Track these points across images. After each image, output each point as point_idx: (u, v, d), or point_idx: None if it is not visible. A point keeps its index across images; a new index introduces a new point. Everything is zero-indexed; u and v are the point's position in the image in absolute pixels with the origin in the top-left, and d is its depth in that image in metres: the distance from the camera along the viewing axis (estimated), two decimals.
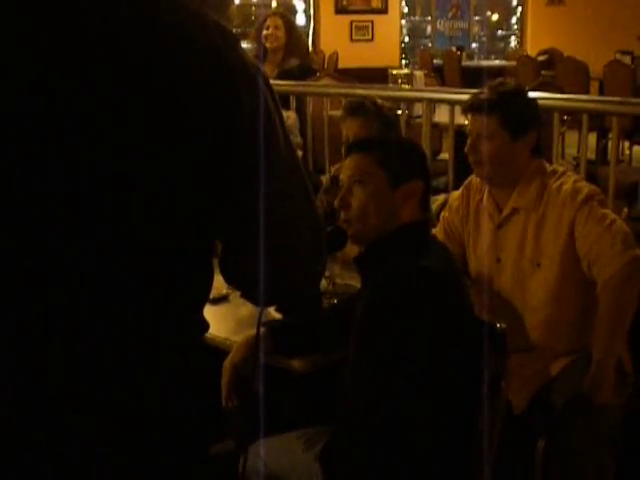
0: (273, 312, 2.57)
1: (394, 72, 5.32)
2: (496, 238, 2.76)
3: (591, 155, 6.34)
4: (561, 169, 2.76)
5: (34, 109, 1.06)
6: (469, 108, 2.70)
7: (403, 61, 12.80)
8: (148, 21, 1.11)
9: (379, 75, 7.32)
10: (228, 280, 1.30)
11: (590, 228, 2.52)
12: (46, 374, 1.12)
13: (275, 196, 1.20)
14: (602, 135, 6.90)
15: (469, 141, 2.69)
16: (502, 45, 14.48)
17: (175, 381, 1.21)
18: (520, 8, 13.42)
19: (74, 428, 1.13)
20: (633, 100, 4.21)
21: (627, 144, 7.18)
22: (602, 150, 6.98)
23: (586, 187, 2.62)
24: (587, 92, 7.52)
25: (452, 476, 1.99)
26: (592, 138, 6.65)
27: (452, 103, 4.03)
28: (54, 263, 1.09)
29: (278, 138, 1.21)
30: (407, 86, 4.87)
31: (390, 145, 2.19)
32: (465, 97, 4.23)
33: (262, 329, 2.36)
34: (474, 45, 13.78)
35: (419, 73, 5.19)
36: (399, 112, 4.01)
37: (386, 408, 1.93)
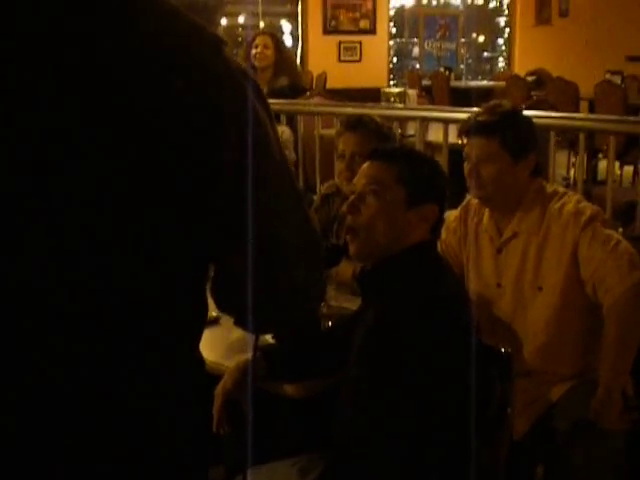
0: (266, 336, 2.50)
1: (387, 90, 5.28)
2: (496, 262, 2.70)
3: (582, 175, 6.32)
4: (562, 190, 2.70)
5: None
6: (468, 131, 2.63)
7: (391, 82, 12.82)
8: (128, 30, 1.03)
9: (367, 95, 7.30)
10: (220, 306, 1.22)
11: (595, 250, 2.45)
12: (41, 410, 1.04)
13: (268, 213, 1.12)
14: (592, 155, 6.88)
15: (468, 165, 2.61)
16: (489, 66, 14.54)
17: (175, 407, 1.15)
18: (508, 29, 13.47)
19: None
20: (631, 118, 4.17)
21: (617, 164, 7.16)
22: (593, 170, 6.97)
23: (589, 208, 2.56)
24: (577, 112, 7.51)
25: None
26: (579, 159, 6.63)
27: (445, 122, 3.98)
28: (46, 298, 1.02)
29: (270, 149, 1.13)
30: (400, 105, 4.82)
31: (414, 162, 2.08)
32: (458, 116, 4.22)
33: (255, 353, 2.28)
34: (462, 66, 13.80)
35: (412, 92, 5.15)
36: None
37: (392, 436, 1.85)
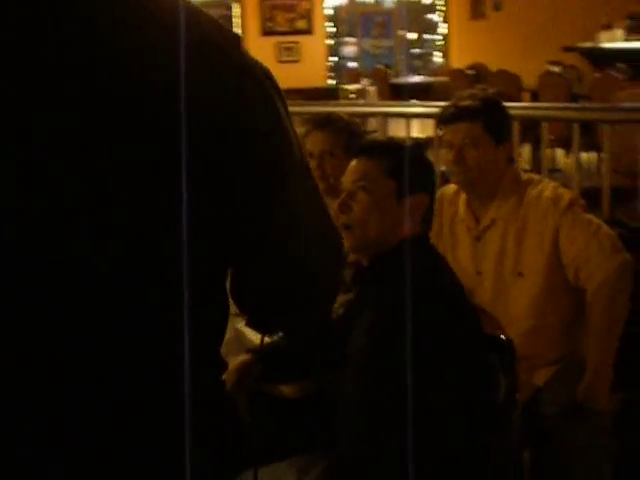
0: (253, 337, 2.48)
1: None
2: (475, 250, 2.73)
3: (526, 165, 6.39)
4: (537, 177, 2.75)
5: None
6: (450, 118, 2.64)
7: (331, 81, 12.84)
8: (152, 25, 1.01)
9: (308, 94, 7.29)
10: (241, 306, 1.21)
11: (575, 234, 2.49)
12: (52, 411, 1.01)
13: (292, 207, 1.11)
14: (536, 146, 6.97)
15: (452, 152, 2.62)
16: (426, 62, 14.65)
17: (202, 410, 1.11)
18: (443, 25, 13.60)
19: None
20: (595, 105, 4.24)
21: (564, 152, 7.26)
22: (538, 160, 7.06)
23: (567, 193, 2.61)
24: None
25: None
26: (527, 149, 6.72)
27: (407, 116, 4.00)
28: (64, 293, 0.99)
29: (292, 146, 1.11)
30: (361, 101, 4.82)
31: (400, 154, 2.08)
32: (419, 110, 4.26)
33: (250, 356, 2.27)
34: (400, 63, 13.89)
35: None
36: None
37: (398, 430, 1.84)
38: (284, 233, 1.11)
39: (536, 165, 6.86)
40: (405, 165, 2.05)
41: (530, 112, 3.96)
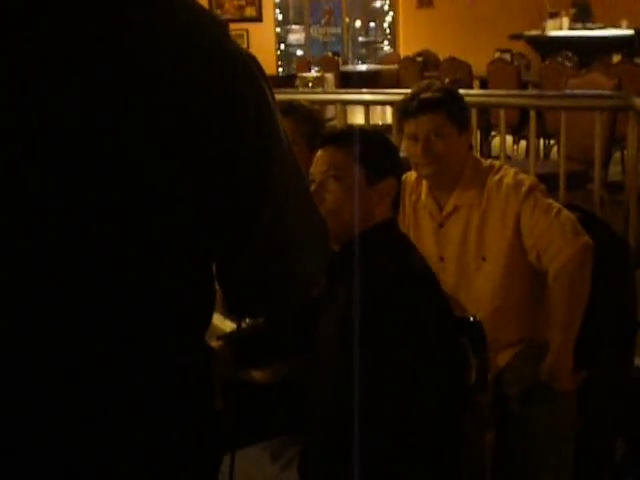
0: (220, 324, 2.49)
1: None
2: (438, 237, 2.77)
3: (476, 153, 6.46)
4: (497, 163, 2.80)
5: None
6: (413, 110, 2.66)
7: (280, 69, 12.81)
8: (144, 7, 1.02)
9: None
10: (226, 292, 1.22)
11: (537, 218, 2.55)
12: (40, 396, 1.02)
13: (282, 192, 1.13)
14: (486, 132, 7.06)
15: (419, 144, 2.64)
16: (374, 49, 14.69)
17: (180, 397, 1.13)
18: (391, 12, 13.65)
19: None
20: (549, 93, 4.31)
21: (512, 139, 7.37)
22: (488, 147, 7.16)
23: (527, 179, 2.66)
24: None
25: (439, 475, 1.96)
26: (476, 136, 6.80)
27: (366, 104, 4.03)
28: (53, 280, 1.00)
29: (280, 132, 1.13)
30: (319, 89, 4.84)
31: (369, 140, 2.10)
32: (378, 97, 4.29)
33: (220, 342, 2.28)
34: (348, 51, 13.91)
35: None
36: None
37: (373, 412, 1.88)
38: (271, 218, 1.13)
39: (485, 153, 6.97)
40: (373, 151, 2.08)
41: (485, 99, 4.00)
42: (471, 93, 4.00)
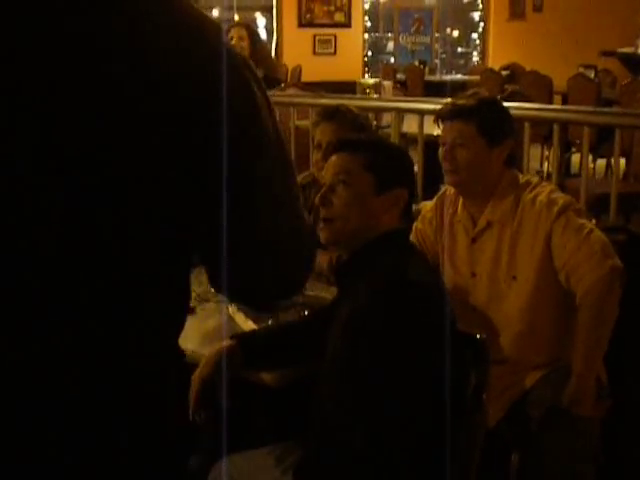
0: (242, 324, 2.50)
1: (362, 82, 5.26)
2: (471, 252, 2.72)
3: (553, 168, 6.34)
4: (535, 180, 2.73)
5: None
6: (445, 115, 2.64)
7: (366, 75, 12.81)
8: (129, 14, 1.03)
9: (342, 88, 7.30)
10: (214, 286, 1.22)
11: (568, 238, 2.48)
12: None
13: (260, 197, 1.12)
14: (565, 148, 6.91)
15: (443, 148, 2.63)
16: (464, 60, 14.57)
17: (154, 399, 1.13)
18: (482, 24, 13.51)
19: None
20: (606, 110, 4.19)
21: (590, 157, 7.20)
22: (566, 163, 7.00)
23: (562, 198, 2.58)
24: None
25: None
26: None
27: (421, 113, 3.99)
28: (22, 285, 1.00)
29: (267, 132, 1.12)
30: (375, 95, 4.82)
31: (380, 149, 2.12)
32: (434, 107, 4.22)
33: (233, 342, 2.28)
34: (436, 60, 13.81)
35: (387, 83, 5.15)
36: None
37: (369, 424, 1.86)
38: (253, 218, 1.13)
39: (561, 168, 6.82)
40: (385, 160, 2.09)
41: (540, 113, 3.91)
42: (525, 107, 3.90)
